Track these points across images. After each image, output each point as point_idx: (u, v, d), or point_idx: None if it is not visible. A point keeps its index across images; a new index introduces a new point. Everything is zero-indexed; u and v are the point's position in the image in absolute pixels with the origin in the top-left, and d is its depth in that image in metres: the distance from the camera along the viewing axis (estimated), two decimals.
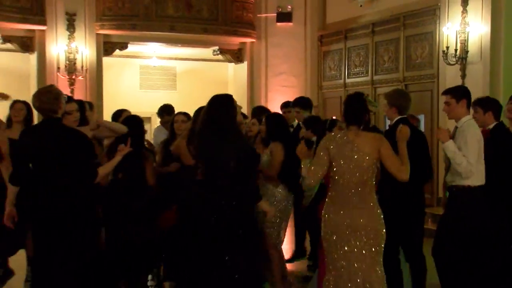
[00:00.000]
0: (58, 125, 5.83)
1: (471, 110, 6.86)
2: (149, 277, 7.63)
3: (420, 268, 6.54)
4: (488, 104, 6.96)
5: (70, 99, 7.03)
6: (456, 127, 6.33)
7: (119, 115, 8.17)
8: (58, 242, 5.71)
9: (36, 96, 5.81)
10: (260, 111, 8.90)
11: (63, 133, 5.82)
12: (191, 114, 7.56)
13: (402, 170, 5.29)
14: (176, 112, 8.93)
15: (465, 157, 5.92)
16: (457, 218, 6.11)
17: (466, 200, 6.08)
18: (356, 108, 5.47)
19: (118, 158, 6.29)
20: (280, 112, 9.25)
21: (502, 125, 6.92)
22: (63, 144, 5.70)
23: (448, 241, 6.12)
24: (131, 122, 7.12)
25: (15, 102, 7.89)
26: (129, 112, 8.05)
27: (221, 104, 6.13)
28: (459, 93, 6.34)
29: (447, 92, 6.50)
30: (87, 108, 7.63)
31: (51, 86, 6.47)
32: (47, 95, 5.77)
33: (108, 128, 7.07)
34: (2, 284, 7.66)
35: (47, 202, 5.70)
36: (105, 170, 6.21)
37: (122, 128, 6.92)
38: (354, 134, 5.35)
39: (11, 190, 6.10)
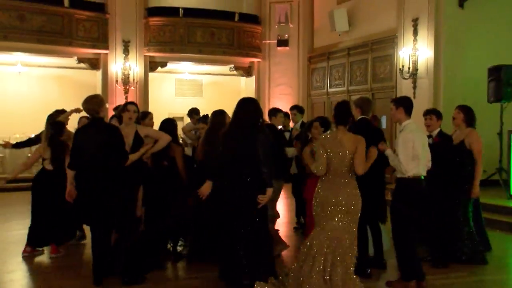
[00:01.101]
0: (100, 122, 5.91)
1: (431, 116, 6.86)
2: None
3: (377, 230, 6.48)
4: (440, 114, 6.86)
5: (132, 103, 6.94)
6: (400, 130, 6.00)
7: (145, 116, 7.67)
8: (103, 199, 5.73)
9: (85, 101, 5.88)
10: (275, 111, 8.62)
11: (103, 127, 5.89)
12: None
13: (360, 168, 5.19)
14: (200, 114, 9.28)
15: (398, 158, 5.62)
16: (399, 199, 5.75)
17: (403, 186, 5.69)
18: (344, 112, 5.38)
19: (143, 150, 6.24)
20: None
21: (442, 131, 6.81)
22: (103, 135, 5.79)
23: (396, 220, 5.75)
24: (167, 123, 7.06)
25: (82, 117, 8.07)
26: (152, 114, 7.71)
27: (251, 104, 5.86)
28: (398, 102, 5.93)
29: (391, 101, 6.19)
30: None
31: (97, 95, 6.51)
32: (92, 100, 5.88)
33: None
34: (79, 241, 7.81)
35: (94, 177, 5.73)
36: (134, 156, 6.10)
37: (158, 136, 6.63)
38: (341, 133, 5.27)
39: (70, 174, 6.08)
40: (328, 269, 5.07)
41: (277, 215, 7.57)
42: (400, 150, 5.58)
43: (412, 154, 5.57)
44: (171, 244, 7.05)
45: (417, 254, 5.77)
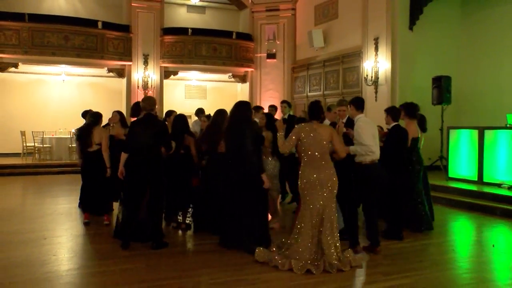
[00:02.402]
0: (152, 117, 6.02)
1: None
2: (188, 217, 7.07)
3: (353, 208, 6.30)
4: (391, 111, 6.57)
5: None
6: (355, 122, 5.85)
7: (169, 114, 7.78)
8: (148, 179, 5.82)
9: (143, 101, 6.06)
10: (257, 108, 8.66)
11: (154, 121, 6.01)
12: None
13: (343, 151, 5.29)
14: (205, 113, 9.04)
15: (359, 145, 5.57)
16: (360, 181, 5.73)
17: (362, 170, 5.67)
18: (317, 110, 5.34)
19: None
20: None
21: (398, 125, 6.48)
22: (154, 128, 5.90)
23: (357, 193, 5.79)
24: (180, 118, 7.00)
25: (113, 111, 8.05)
26: (176, 112, 7.66)
27: (244, 106, 6.01)
28: (350, 102, 5.89)
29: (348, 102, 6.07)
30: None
31: (151, 96, 6.38)
32: (149, 100, 6.04)
33: None
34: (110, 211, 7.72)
35: (144, 160, 5.78)
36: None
37: None
38: (316, 125, 5.25)
39: (123, 156, 5.95)
40: (320, 235, 5.09)
41: (279, 189, 7.45)
42: (360, 136, 5.57)
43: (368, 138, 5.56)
44: (181, 217, 6.98)
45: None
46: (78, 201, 8.48)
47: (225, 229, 5.84)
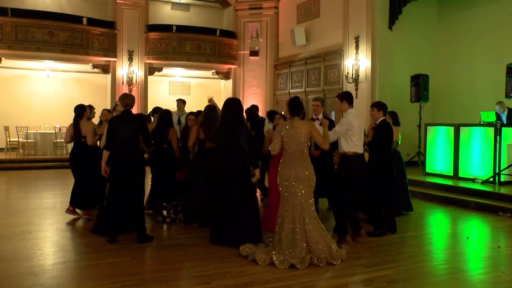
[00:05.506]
0: (131, 113, 6.00)
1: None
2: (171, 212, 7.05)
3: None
4: (380, 106, 6.39)
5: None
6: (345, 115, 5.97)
7: (157, 111, 7.63)
8: (131, 173, 5.78)
9: (125, 97, 6.00)
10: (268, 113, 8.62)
11: (133, 118, 6.00)
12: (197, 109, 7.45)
13: (324, 143, 5.30)
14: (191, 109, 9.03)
15: (335, 132, 5.72)
16: (342, 171, 5.88)
17: (346, 160, 5.83)
18: (297, 106, 5.35)
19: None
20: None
21: (384, 120, 6.34)
22: (135, 124, 5.90)
23: (338, 185, 5.91)
24: (166, 113, 7.02)
25: (103, 109, 7.82)
26: (162, 109, 7.64)
27: (234, 103, 5.90)
28: (341, 97, 6.00)
29: (337, 96, 6.17)
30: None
31: (130, 94, 6.35)
32: (129, 97, 6.03)
33: None
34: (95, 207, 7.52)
35: (125, 155, 5.75)
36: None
37: None
38: (296, 122, 5.25)
39: (105, 154, 5.92)
40: (302, 230, 5.09)
41: None
42: (338, 126, 5.79)
43: (345, 133, 5.73)
44: (166, 210, 6.97)
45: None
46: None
47: (216, 224, 5.75)
